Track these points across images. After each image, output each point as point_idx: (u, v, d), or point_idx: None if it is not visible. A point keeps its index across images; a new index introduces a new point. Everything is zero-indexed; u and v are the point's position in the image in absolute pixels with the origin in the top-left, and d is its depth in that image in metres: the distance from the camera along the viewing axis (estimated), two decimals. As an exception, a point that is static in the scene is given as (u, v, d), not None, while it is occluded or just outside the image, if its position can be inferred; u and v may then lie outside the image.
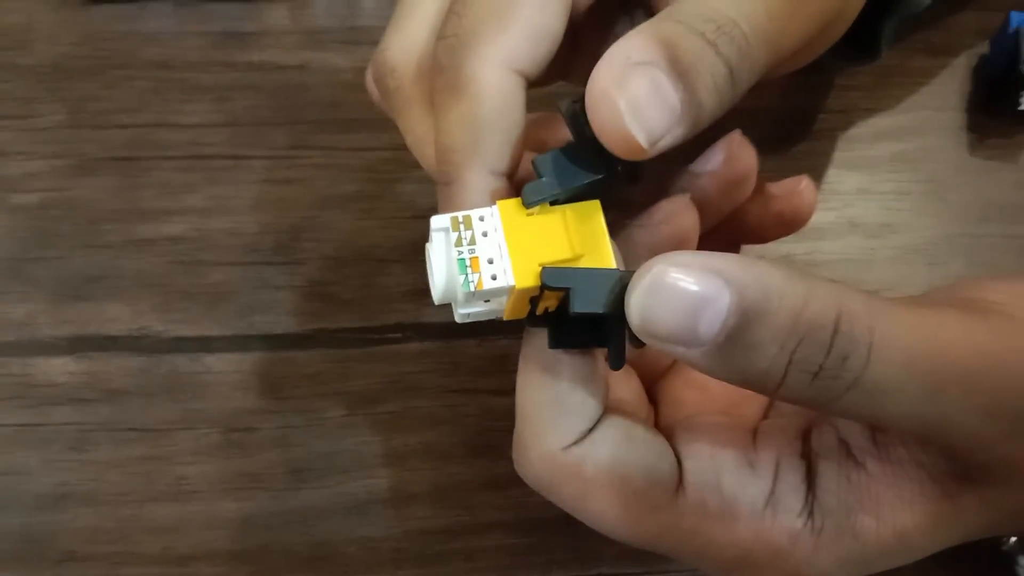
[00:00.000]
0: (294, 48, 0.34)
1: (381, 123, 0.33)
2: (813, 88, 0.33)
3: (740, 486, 0.19)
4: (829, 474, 0.19)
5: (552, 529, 0.27)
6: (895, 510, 0.19)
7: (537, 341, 0.20)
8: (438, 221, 0.19)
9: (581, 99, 0.18)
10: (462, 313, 0.19)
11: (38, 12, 0.35)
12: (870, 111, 0.33)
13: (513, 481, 0.28)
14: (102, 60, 0.34)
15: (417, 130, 0.23)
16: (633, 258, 0.21)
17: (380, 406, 0.28)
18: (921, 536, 0.19)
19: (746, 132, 0.23)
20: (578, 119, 0.19)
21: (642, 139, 0.18)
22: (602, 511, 0.20)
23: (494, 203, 0.19)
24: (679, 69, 0.18)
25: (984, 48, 0.34)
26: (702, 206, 0.22)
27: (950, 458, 0.19)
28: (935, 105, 0.34)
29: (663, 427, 0.21)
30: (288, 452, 0.28)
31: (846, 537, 0.19)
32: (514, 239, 0.18)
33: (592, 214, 0.19)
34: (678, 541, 0.20)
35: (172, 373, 0.29)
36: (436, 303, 0.19)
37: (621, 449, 0.19)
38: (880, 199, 0.32)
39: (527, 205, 0.18)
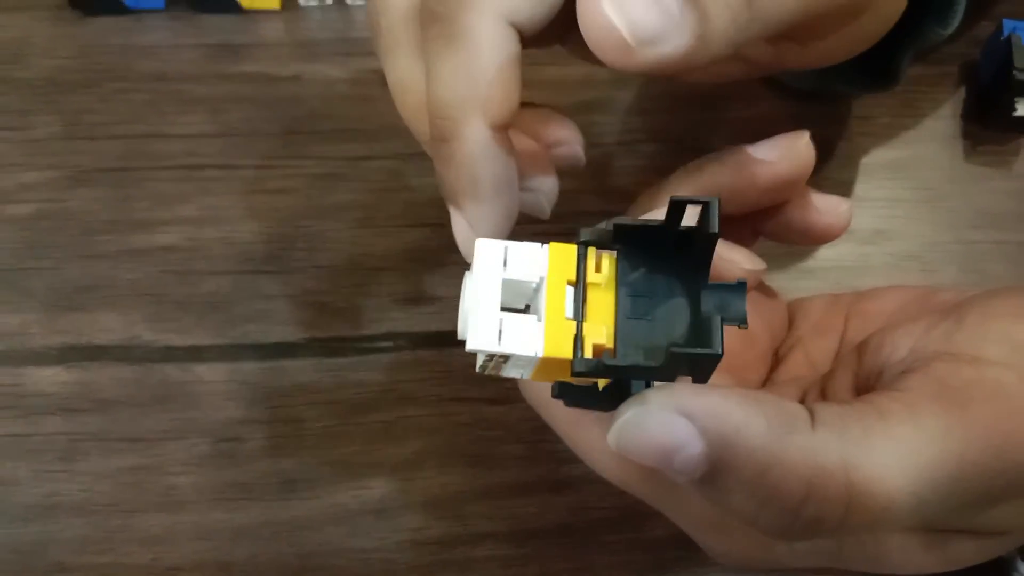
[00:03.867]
0: (288, 60, 0.34)
1: (374, 133, 0.33)
2: (808, 98, 0.33)
3: None
4: None
5: (546, 539, 0.27)
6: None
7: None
8: (485, 260, 0.17)
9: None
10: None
11: (35, 26, 0.35)
12: (864, 119, 0.33)
13: (507, 491, 0.28)
14: (97, 73, 0.34)
15: (400, 74, 0.22)
16: (739, 199, 0.22)
17: (372, 415, 0.28)
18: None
19: (739, 139, 0.23)
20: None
21: (625, 33, 0.16)
22: (592, 441, 0.20)
23: (491, 158, 0.18)
24: None
25: (976, 56, 0.34)
26: (743, 191, 0.22)
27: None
28: (928, 113, 0.34)
29: None
30: (279, 462, 0.28)
31: None
32: (543, 371, 0.17)
33: None
34: (659, 490, 0.20)
35: (163, 383, 0.29)
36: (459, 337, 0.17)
37: None
38: (874, 206, 0.32)
39: (573, 374, 0.17)
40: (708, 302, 0.16)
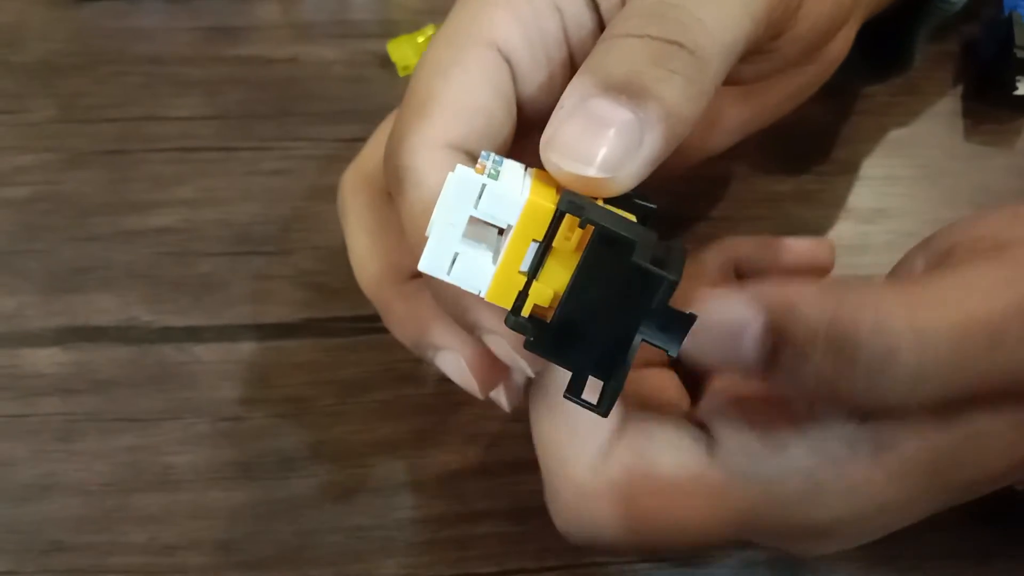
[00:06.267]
0: (284, 42, 0.34)
1: (371, 114, 0.33)
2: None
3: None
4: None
5: (545, 517, 0.27)
6: None
7: (545, 384, 0.20)
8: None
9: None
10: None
11: (30, 11, 0.35)
12: (863, 97, 0.33)
13: (506, 469, 0.28)
14: (93, 56, 0.34)
15: (351, 245, 0.23)
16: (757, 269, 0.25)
17: (370, 394, 0.28)
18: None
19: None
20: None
21: (592, 172, 0.16)
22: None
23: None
24: (616, 84, 0.16)
25: (977, 34, 0.34)
26: (761, 264, 0.26)
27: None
28: (927, 90, 0.33)
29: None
30: (277, 441, 0.28)
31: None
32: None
33: None
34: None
35: (160, 363, 0.29)
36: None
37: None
38: (873, 184, 0.32)
39: (506, 324, 0.17)
40: (651, 322, 0.16)
